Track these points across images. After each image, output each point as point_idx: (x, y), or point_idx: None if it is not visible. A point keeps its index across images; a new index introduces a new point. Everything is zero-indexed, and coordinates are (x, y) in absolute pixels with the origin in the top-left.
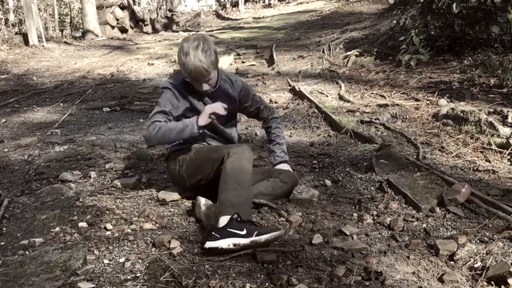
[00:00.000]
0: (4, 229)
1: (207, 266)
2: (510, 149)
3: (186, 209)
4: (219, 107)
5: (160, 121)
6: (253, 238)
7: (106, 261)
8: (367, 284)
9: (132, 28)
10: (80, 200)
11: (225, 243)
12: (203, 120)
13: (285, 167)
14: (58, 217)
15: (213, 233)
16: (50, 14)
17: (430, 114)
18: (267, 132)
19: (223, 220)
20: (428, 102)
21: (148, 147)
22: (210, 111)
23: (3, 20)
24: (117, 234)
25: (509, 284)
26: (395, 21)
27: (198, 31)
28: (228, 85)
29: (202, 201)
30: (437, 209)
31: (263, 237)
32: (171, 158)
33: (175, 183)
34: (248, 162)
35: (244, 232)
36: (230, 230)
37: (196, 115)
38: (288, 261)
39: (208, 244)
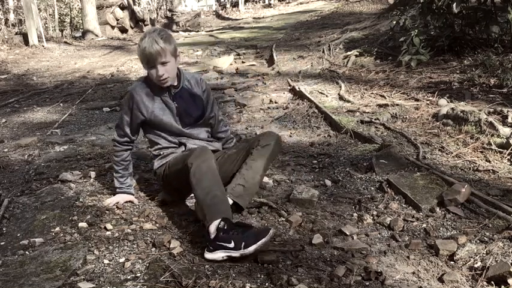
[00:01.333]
0: (4, 229)
1: (207, 266)
2: (510, 149)
3: (186, 209)
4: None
5: (117, 146)
6: (242, 251)
7: (106, 261)
8: (367, 284)
9: (132, 28)
10: (80, 200)
11: (219, 256)
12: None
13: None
14: (58, 217)
15: (208, 243)
16: (50, 14)
17: (430, 114)
18: (223, 147)
19: (212, 229)
20: (428, 102)
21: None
22: (118, 200)
23: (3, 20)
24: (117, 234)
25: (509, 284)
26: (395, 22)
27: (198, 31)
28: (192, 84)
29: None
30: (437, 209)
31: (251, 248)
32: (157, 173)
33: (169, 194)
34: (208, 164)
35: (232, 245)
36: (219, 243)
37: (164, 112)
38: (288, 261)
39: (206, 255)
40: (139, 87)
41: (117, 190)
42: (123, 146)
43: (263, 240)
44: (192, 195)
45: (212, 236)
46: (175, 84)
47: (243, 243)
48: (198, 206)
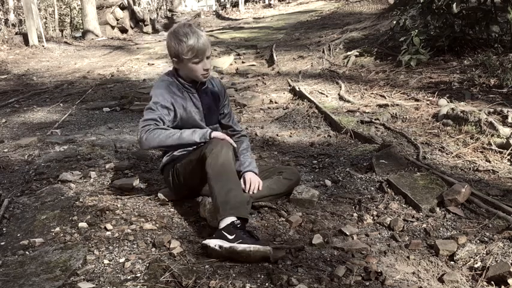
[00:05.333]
0: (4, 229)
1: (207, 266)
2: (510, 149)
3: (186, 209)
4: (227, 138)
5: (156, 124)
6: (232, 244)
7: (106, 261)
8: (367, 284)
9: (132, 28)
10: (80, 200)
11: (213, 243)
12: (218, 134)
13: (251, 176)
14: (58, 217)
15: (215, 233)
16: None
17: (430, 114)
18: (237, 143)
19: (224, 222)
20: (428, 102)
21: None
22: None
23: (3, 20)
24: (117, 234)
25: (509, 284)
26: (395, 22)
27: None
28: (214, 83)
29: (208, 199)
30: (437, 209)
31: (241, 246)
32: (165, 170)
33: (175, 192)
34: (225, 153)
35: (231, 237)
36: (223, 232)
37: (192, 111)
38: (288, 261)
39: (204, 240)
40: (168, 82)
41: (208, 132)
42: (159, 124)
43: (256, 246)
44: (193, 194)
45: (221, 227)
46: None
47: (240, 240)
48: (212, 199)
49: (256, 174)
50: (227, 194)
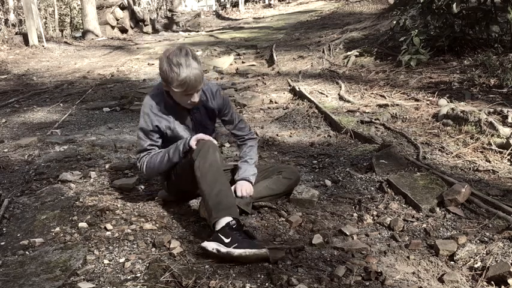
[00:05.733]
0: (4, 229)
1: (207, 266)
2: (510, 149)
3: (186, 209)
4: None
5: (148, 152)
6: (229, 249)
7: (106, 261)
8: (367, 284)
9: (132, 28)
10: (80, 200)
11: (211, 246)
12: (197, 137)
13: (243, 183)
14: (58, 217)
15: (211, 235)
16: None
17: (430, 114)
18: (239, 149)
19: (219, 223)
20: (428, 102)
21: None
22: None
23: (3, 20)
24: (117, 234)
25: (509, 284)
26: (395, 22)
27: (198, 31)
28: (208, 97)
29: None
30: (437, 209)
31: (237, 251)
32: (161, 174)
33: (172, 195)
34: (212, 157)
35: (228, 240)
36: (219, 235)
37: (183, 129)
38: (288, 261)
39: (202, 243)
40: (155, 101)
41: (187, 141)
42: (151, 151)
43: (252, 250)
44: (197, 197)
45: (217, 228)
46: None
47: (236, 244)
48: (204, 201)
49: (250, 182)
50: (217, 195)
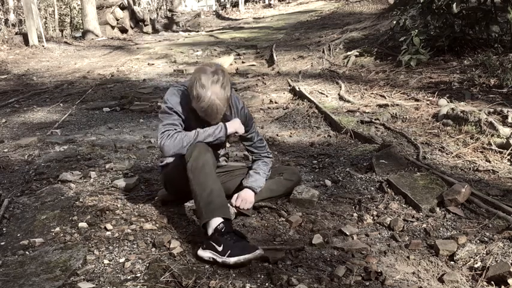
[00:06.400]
0: (4, 229)
1: (207, 266)
2: (510, 149)
3: (186, 209)
4: (240, 127)
5: (175, 128)
6: (224, 259)
7: (106, 261)
8: (367, 284)
9: (132, 28)
10: (80, 200)
11: (206, 255)
12: (230, 128)
13: (247, 192)
14: (58, 217)
15: (203, 241)
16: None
17: (430, 114)
18: (254, 162)
19: (209, 227)
20: (428, 102)
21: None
22: (236, 125)
23: (3, 20)
24: (117, 234)
25: (509, 284)
26: (395, 22)
27: (198, 31)
28: (232, 111)
29: None
30: (437, 209)
31: (232, 260)
32: (161, 173)
33: (171, 195)
34: (204, 158)
35: (220, 248)
36: (211, 242)
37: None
38: (288, 261)
39: (198, 252)
40: (179, 94)
41: (221, 127)
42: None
43: (246, 256)
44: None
45: (209, 234)
46: None
47: (229, 251)
48: (195, 202)
49: (255, 192)
50: (209, 196)
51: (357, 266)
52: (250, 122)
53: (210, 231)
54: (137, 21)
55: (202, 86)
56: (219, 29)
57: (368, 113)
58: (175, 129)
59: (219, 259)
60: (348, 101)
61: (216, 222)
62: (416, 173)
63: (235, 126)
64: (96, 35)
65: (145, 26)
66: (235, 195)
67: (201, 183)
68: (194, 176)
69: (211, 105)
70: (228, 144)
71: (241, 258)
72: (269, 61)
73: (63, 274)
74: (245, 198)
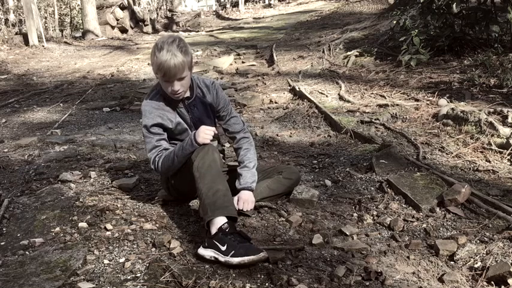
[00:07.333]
0: (4, 229)
1: (207, 266)
2: (510, 149)
3: (186, 209)
4: (208, 129)
5: (158, 151)
6: (227, 259)
7: (106, 261)
8: (367, 284)
9: (132, 28)
10: (80, 200)
11: (208, 254)
12: (199, 138)
13: (245, 193)
14: (58, 217)
15: (205, 239)
16: (50, 14)
17: (430, 114)
18: (236, 152)
19: (213, 225)
20: (428, 102)
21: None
22: (205, 131)
23: (3, 20)
24: (117, 234)
25: (509, 284)
26: (395, 22)
27: (198, 31)
28: (204, 92)
29: None
30: (437, 209)
31: (236, 260)
32: (161, 177)
33: (173, 195)
34: (211, 158)
35: (224, 248)
36: (214, 241)
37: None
38: (288, 261)
39: (199, 250)
40: (154, 99)
41: (193, 137)
42: (160, 146)
43: (250, 257)
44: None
45: (212, 233)
46: (188, 95)
47: (233, 251)
48: (200, 200)
49: (251, 190)
50: (214, 194)
51: (357, 266)
52: (223, 98)
53: (213, 230)
54: (137, 21)
55: (159, 48)
56: (219, 29)
57: (368, 113)
58: (158, 154)
59: (222, 258)
60: (348, 101)
61: (220, 221)
62: (416, 173)
63: (202, 131)
64: (96, 35)
65: (145, 26)
66: (235, 198)
67: (208, 182)
68: (200, 175)
69: (170, 61)
70: (227, 144)
71: (245, 259)
72: (269, 61)
73: (63, 274)
74: (246, 200)
